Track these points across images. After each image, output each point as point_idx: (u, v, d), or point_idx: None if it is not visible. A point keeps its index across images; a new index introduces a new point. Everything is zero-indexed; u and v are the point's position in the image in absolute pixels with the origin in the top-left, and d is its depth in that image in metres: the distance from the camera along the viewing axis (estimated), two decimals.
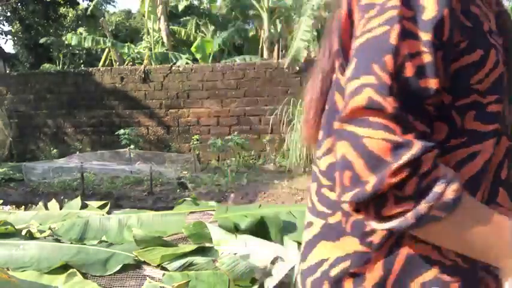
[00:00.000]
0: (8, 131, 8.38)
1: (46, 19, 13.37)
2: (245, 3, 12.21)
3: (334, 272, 0.65)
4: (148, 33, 11.51)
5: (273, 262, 2.05)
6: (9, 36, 15.06)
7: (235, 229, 2.44)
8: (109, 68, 8.47)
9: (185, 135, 8.04)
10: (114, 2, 19.17)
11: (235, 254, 2.20)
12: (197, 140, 7.77)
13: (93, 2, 12.73)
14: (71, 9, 14.62)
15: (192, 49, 9.57)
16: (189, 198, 3.38)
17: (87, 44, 9.71)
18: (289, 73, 7.55)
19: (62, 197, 4.42)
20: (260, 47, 11.30)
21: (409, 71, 0.53)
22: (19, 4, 12.86)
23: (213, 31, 13.49)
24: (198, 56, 9.43)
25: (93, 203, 3.48)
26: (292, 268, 2.03)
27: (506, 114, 0.64)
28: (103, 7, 14.89)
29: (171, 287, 1.81)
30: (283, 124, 7.22)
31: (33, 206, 3.62)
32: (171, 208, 3.39)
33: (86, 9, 14.22)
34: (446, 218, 0.52)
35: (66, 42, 10.08)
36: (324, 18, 10.65)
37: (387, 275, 0.62)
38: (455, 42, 0.57)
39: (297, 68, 7.45)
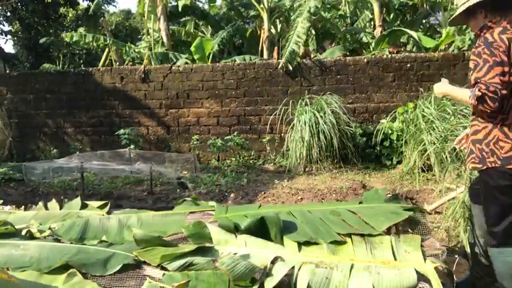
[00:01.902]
0: (8, 131, 8.38)
1: (46, 19, 13.37)
2: (245, 3, 12.21)
3: None
4: (148, 33, 11.51)
5: (273, 262, 2.04)
6: (9, 36, 15.06)
7: (235, 229, 2.43)
8: (109, 68, 8.47)
9: (185, 135, 8.04)
10: (114, 2, 19.19)
11: (235, 254, 2.20)
12: (197, 140, 7.78)
13: (94, 2, 12.70)
14: (71, 9, 14.62)
15: (191, 49, 9.56)
16: (189, 198, 3.38)
17: (87, 40, 9.71)
18: (289, 73, 7.56)
19: (62, 197, 4.41)
20: (260, 47, 11.29)
21: None
22: (19, 4, 12.86)
23: (212, 31, 13.49)
24: (196, 56, 9.41)
25: (93, 203, 3.47)
26: (292, 268, 2.03)
27: None
28: (104, 7, 14.88)
29: (171, 287, 1.81)
30: (283, 124, 7.23)
31: (33, 206, 3.62)
32: (171, 208, 3.39)
33: (86, 9, 14.22)
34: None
35: (66, 39, 10.08)
36: (323, 18, 10.67)
37: None
38: None
39: (290, 69, 7.47)
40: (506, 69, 2.01)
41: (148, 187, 5.78)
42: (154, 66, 8.40)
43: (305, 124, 6.52)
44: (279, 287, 1.90)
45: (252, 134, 7.78)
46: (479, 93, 2.01)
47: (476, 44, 2.14)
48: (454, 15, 2.39)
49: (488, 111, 2.06)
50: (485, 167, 2.13)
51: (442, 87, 2.37)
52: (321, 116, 6.53)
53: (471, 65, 2.14)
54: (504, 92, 1.99)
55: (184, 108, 8.00)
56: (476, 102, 2.05)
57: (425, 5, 11.18)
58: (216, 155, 7.82)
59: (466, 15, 2.31)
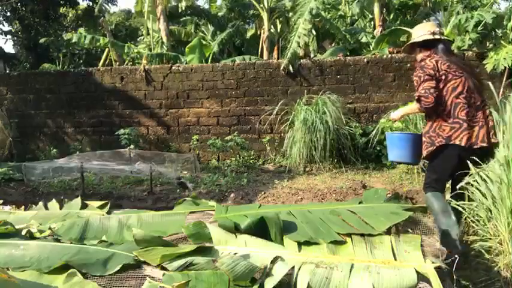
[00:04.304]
0: (8, 131, 8.38)
1: (46, 19, 13.37)
2: (245, 3, 12.20)
3: None
4: (148, 33, 11.50)
5: (273, 262, 2.04)
6: (9, 36, 15.06)
7: (235, 229, 2.43)
8: (109, 68, 8.47)
9: (185, 135, 8.04)
10: (115, 2, 19.25)
11: (235, 254, 2.20)
12: (197, 140, 7.77)
13: (99, 3, 12.64)
14: (71, 9, 14.61)
15: (186, 49, 9.54)
16: (189, 198, 3.38)
17: (87, 41, 9.70)
18: (289, 73, 7.56)
19: (62, 197, 4.41)
20: (260, 47, 11.29)
21: None
22: (19, 4, 12.85)
23: (212, 31, 13.49)
24: (189, 57, 9.36)
25: (93, 203, 3.47)
26: (292, 268, 2.03)
27: None
28: (107, 6, 14.86)
29: (171, 287, 1.81)
30: (283, 124, 7.23)
31: (33, 206, 3.61)
32: (171, 208, 3.38)
33: (86, 9, 14.21)
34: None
35: (66, 38, 10.08)
36: (323, 18, 10.66)
37: None
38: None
39: (291, 70, 7.46)
40: (433, 81, 2.87)
41: (148, 187, 5.78)
42: (154, 66, 8.40)
43: (305, 124, 6.52)
44: (279, 287, 1.90)
45: (252, 134, 7.79)
46: (416, 97, 2.91)
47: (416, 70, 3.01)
48: (406, 45, 3.31)
49: (428, 106, 2.82)
50: (434, 147, 2.87)
51: (397, 112, 3.28)
52: (321, 116, 6.53)
53: (415, 83, 2.97)
54: (432, 91, 2.83)
55: (184, 108, 8.00)
56: (419, 104, 2.89)
57: (428, 3, 11.17)
58: (216, 155, 7.82)
59: (412, 49, 3.22)
